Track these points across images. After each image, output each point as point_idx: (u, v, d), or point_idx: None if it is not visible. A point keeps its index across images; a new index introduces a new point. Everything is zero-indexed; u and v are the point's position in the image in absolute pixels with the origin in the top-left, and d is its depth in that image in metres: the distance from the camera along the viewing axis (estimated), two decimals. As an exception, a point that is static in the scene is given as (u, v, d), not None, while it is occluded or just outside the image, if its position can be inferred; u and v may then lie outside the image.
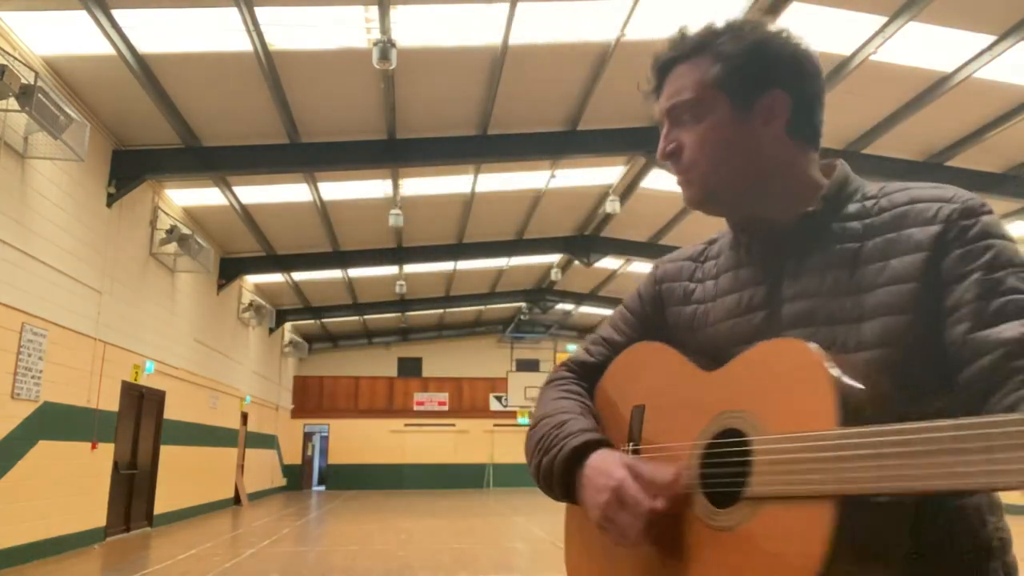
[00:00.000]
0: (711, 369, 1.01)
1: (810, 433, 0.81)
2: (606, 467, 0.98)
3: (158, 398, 12.47)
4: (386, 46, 7.93)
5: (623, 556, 1.06)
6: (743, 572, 0.87)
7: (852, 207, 1.00)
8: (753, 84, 1.01)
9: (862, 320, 0.94)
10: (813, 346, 0.87)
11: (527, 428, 1.19)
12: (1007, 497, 0.87)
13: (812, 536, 0.79)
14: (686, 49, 1.07)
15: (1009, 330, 0.85)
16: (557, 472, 1.05)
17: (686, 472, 0.96)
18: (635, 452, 1.09)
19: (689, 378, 1.04)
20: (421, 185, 12.90)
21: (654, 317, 1.19)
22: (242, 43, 8.23)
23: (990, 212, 0.93)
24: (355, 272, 17.67)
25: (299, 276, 17.76)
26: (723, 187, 1.04)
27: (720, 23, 1.06)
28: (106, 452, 10.34)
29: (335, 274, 17.64)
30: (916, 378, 0.90)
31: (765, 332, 1.01)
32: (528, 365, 27.48)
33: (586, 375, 1.22)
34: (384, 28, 7.98)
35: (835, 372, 0.84)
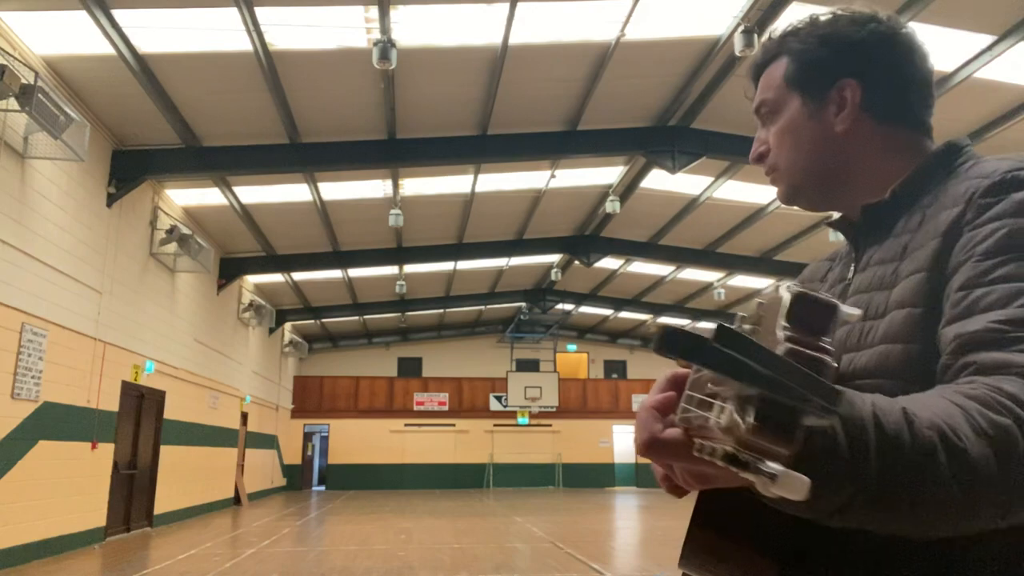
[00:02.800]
0: None
1: None
2: None
3: (158, 398, 12.47)
4: (386, 46, 7.93)
5: None
6: None
7: (927, 197, 0.93)
8: (822, 76, 1.00)
9: (883, 315, 0.88)
10: None
11: None
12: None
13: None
14: (771, 51, 1.06)
15: (973, 323, 0.75)
16: None
17: None
18: None
19: None
20: (421, 185, 12.91)
21: None
22: (242, 43, 8.23)
23: None
24: (355, 272, 17.67)
25: (299, 276, 17.76)
26: (805, 182, 1.03)
27: (802, 19, 1.05)
28: (106, 452, 10.34)
29: (335, 274, 17.64)
30: (926, 375, 0.80)
31: None
32: (528, 365, 27.49)
33: None
34: (384, 28, 7.98)
35: None
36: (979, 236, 0.80)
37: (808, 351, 0.54)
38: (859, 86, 0.98)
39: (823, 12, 1.02)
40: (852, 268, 1.01)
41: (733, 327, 0.52)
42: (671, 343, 0.51)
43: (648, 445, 0.64)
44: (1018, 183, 0.81)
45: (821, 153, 1.00)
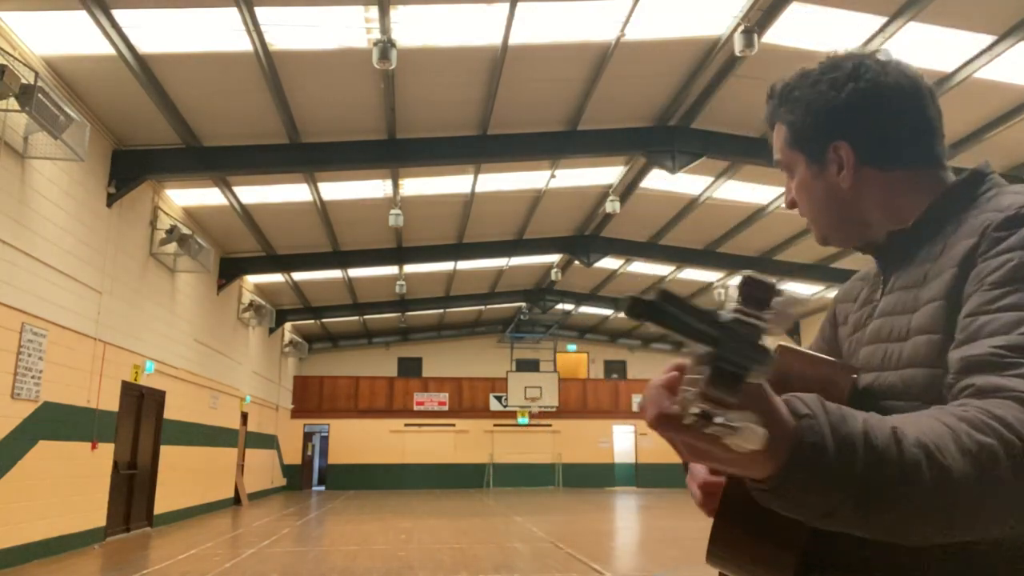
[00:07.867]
0: None
1: None
2: None
3: (158, 398, 12.47)
4: (386, 46, 7.93)
5: None
6: None
7: (950, 226, 0.98)
8: (816, 142, 1.06)
9: (906, 339, 0.94)
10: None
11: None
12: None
13: None
14: (771, 113, 1.14)
15: (976, 347, 0.82)
16: None
17: None
18: None
19: None
20: (421, 185, 12.90)
21: (833, 333, 1.23)
22: (242, 43, 8.23)
23: None
24: (355, 272, 17.67)
25: (299, 276, 17.76)
26: (830, 231, 1.11)
27: (795, 76, 1.11)
28: (106, 452, 10.34)
29: (335, 274, 17.64)
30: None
31: (859, 348, 1.05)
32: (528, 365, 27.48)
33: None
34: (384, 28, 7.98)
35: None
36: (990, 267, 0.86)
37: (749, 319, 0.62)
38: (850, 147, 1.04)
39: (811, 68, 1.08)
40: (880, 291, 1.07)
41: (674, 293, 0.63)
42: (634, 308, 0.62)
43: (658, 419, 0.68)
44: (1021, 219, 0.87)
45: (835, 207, 1.07)
